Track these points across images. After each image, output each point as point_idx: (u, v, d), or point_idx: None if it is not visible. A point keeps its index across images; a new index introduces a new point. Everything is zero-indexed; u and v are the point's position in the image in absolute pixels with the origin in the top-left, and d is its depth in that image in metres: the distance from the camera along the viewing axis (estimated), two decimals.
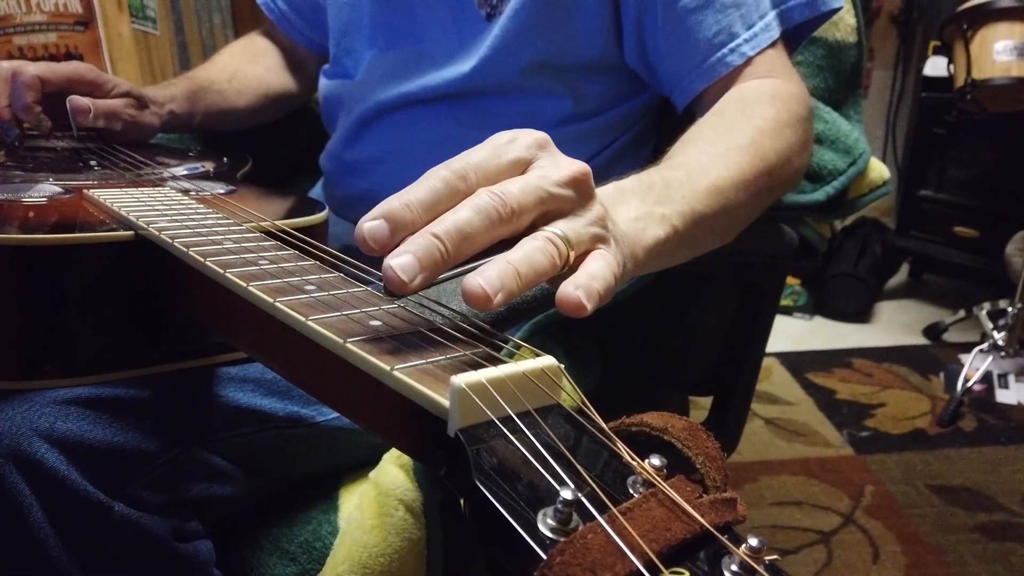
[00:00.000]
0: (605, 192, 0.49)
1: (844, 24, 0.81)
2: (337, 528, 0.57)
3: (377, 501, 0.51)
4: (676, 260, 0.55)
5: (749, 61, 0.66)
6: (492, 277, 0.33)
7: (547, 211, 0.38)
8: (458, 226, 0.34)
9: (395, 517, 0.50)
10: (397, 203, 0.35)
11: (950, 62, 1.98)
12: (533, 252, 0.35)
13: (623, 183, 0.50)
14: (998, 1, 1.82)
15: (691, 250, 0.56)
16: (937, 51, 2.34)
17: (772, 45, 0.67)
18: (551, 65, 0.73)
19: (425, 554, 0.51)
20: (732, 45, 0.66)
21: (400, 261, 0.33)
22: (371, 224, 0.34)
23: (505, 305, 0.33)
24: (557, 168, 0.39)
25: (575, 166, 0.39)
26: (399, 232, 0.34)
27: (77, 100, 0.77)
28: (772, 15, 0.67)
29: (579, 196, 0.39)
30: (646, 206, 0.49)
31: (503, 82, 0.74)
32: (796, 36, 0.71)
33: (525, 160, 0.39)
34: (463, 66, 0.74)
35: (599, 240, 0.39)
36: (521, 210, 0.36)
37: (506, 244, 0.36)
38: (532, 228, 0.37)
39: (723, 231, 0.59)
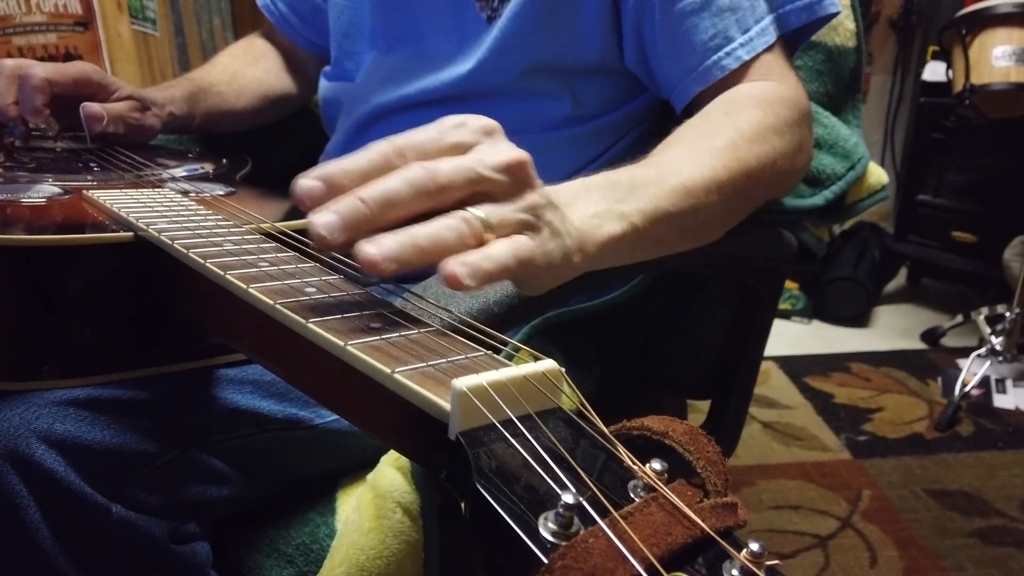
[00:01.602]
0: (570, 187, 0.50)
1: (843, 29, 0.81)
2: (334, 530, 0.56)
3: (375, 503, 0.51)
4: (641, 256, 0.56)
5: (745, 65, 0.66)
6: (387, 245, 0.34)
7: (477, 192, 0.39)
8: (384, 192, 0.36)
9: (392, 520, 0.50)
10: (335, 167, 0.37)
11: (949, 67, 1.99)
12: (440, 228, 0.36)
13: (592, 178, 0.51)
14: (997, 7, 1.83)
15: (658, 248, 0.56)
16: (936, 56, 2.35)
17: (769, 49, 0.67)
18: (550, 67, 0.73)
19: (422, 557, 0.51)
20: (728, 49, 0.66)
21: (324, 219, 0.35)
22: (307, 182, 0.36)
23: (399, 273, 0.35)
24: (495, 153, 0.39)
25: (514, 153, 0.40)
26: (332, 193, 0.36)
27: (91, 108, 0.77)
28: (769, 19, 0.67)
29: (513, 182, 0.40)
30: (607, 203, 0.50)
31: (501, 84, 0.74)
32: (794, 40, 0.71)
33: (467, 144, 0.40)
34: (461, 68, 0.74)
35: (526, 227, 0.40)
36: (449, 186, 0.37)
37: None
38: (462, 207, 0.38)
39: (695, 231, 0.59)
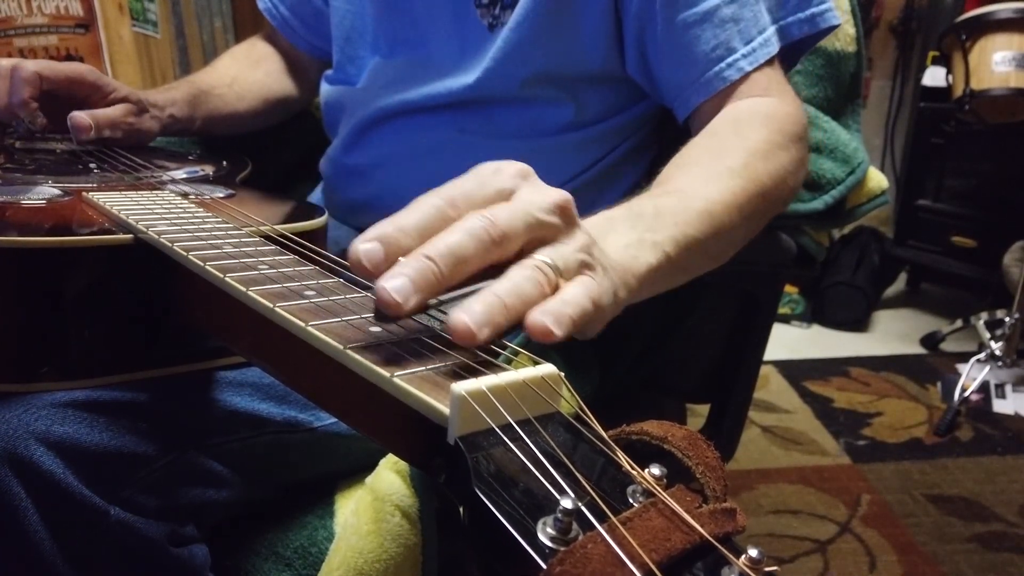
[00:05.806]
0: (593, 222, 0.48)
1: (843, 34, 0.81)
2: (333, 533, 0.56)
3: (373, 507, 0.51)
4: (670, 285, 0.54)
5: (746, 76, 0.66)
6: (477, 312, 0.32)
7: (534, 238, 0.37)
8: (451, 248, 0.34)
9: (391, 523, 0.50)
10: (391, 227, 0.35)
11: (949, 72, 1.99)
12: (521, 282, 0.34)
13: (612, 212, 0.50)
14: (997, 12, 1.83)
15: (685, 275, 0.55)
16: (936, 61, 2.35)
17: (770, 60, 0.66)
18: (553, 75, 0.73)
19: (421, 560, 0.51)
20: (730, 60, 0.66)
21: (395, 283, 0.32)
22: (366, 246, 0.34)
23: (492, 340, 0.33)
24: (542, 195, 0.38)
25: (558, 194, 0.39)
26: (393, 255, 0.34)
27: (78, 118, 0.77)
28: (772, 31, 0.67)
29: (564, 223, 0.38)
30: (636, 233, 0.48)
31: (505, 92, 0.74)
32: (793, 52, 0.71)
33: (508, 190, 0.38)
34: (466, 77, 0.74)
35: (586, 267, 0.38)
36: (512, 234, 0.36)
37: (496, 271, 0.35)
38: (519, 256, 0.37)
39: (717, 254, 0.59)
